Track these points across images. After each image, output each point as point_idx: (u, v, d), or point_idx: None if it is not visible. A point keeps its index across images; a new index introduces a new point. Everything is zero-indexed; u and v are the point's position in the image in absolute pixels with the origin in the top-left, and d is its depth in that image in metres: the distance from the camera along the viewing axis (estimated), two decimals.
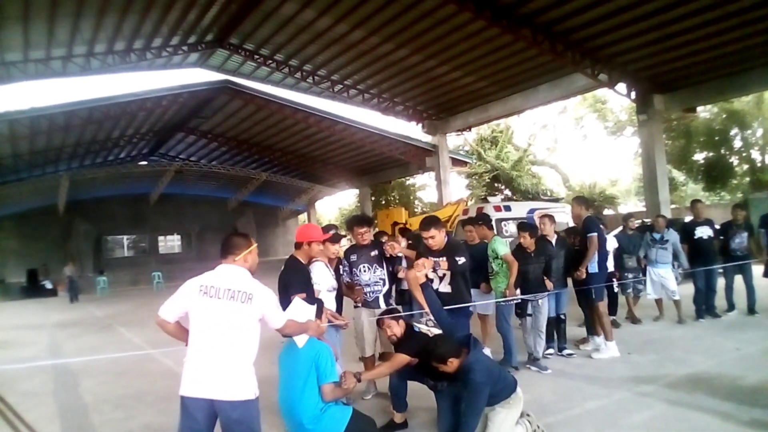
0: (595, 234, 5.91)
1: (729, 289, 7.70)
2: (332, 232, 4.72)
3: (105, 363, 7.12)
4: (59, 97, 66.41)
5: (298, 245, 4.16)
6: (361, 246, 4.95)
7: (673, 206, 18.42)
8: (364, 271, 4.90)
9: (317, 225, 6.55)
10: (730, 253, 7.62)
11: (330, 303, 4.31)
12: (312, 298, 3.85)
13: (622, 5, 10.06)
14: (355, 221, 5.10)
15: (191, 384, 2.62)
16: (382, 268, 4.91)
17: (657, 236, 7.69)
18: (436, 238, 4.35)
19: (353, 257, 4.96)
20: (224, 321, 2.67)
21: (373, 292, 4.87)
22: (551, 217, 6.26)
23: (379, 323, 4.27)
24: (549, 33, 11.29)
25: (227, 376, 2.61)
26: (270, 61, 15.97)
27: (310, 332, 3.53)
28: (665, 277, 7.50)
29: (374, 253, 4.92)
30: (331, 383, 3.40)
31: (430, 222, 4.46)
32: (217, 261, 2.93)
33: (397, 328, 4.03)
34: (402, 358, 3.87)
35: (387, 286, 4.93)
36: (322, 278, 4.28)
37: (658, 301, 7.75)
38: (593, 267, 6.00)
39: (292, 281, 3.94)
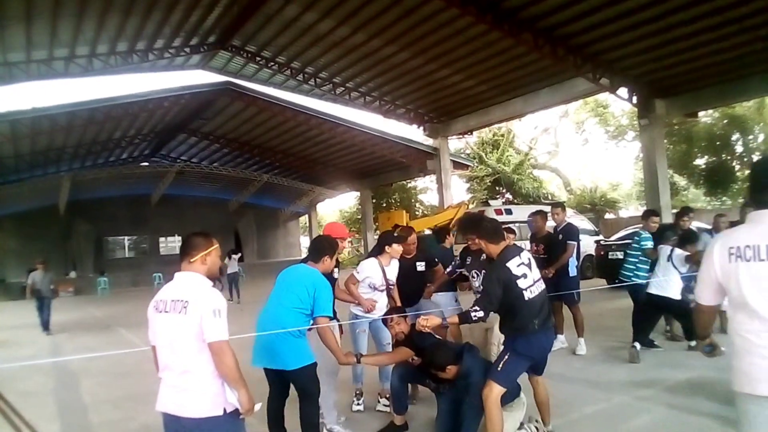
0: (575, 243, 6.45)
1: None
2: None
3: (105, 363, 7.12)
4: (61, 97, 66.57)
5: None
6: (474, 250, 4.55)
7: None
8: (474, 277, 4.64)
9: (341, 224, 6.57)
10: None
11: (381, 301, 4.56)
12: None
13: (624, 10, 10.07)
14: (467, 226, 4.57)
15: (160, 399, 2.53)
16: None
17: None
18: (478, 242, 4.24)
19: (468, 260, 4.72)
20: (171, 336, 2.46)
21: None
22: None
23: (385, 323, 4.26)
24: (550, 37, 11.30)
25: (187, 393, 2.43)
26: (272, 64, 16.00)
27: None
28: None
29: (485, 257, 4.46)
30: (326, 317, 3.52)
31: (474, 226, 4.15)
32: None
33: (404, 326, 4.01)
34: (405, 352, 3.90)
35: None
36: (373, 273, 4.53)
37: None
38: (573, 270, 6.40)
39: None
